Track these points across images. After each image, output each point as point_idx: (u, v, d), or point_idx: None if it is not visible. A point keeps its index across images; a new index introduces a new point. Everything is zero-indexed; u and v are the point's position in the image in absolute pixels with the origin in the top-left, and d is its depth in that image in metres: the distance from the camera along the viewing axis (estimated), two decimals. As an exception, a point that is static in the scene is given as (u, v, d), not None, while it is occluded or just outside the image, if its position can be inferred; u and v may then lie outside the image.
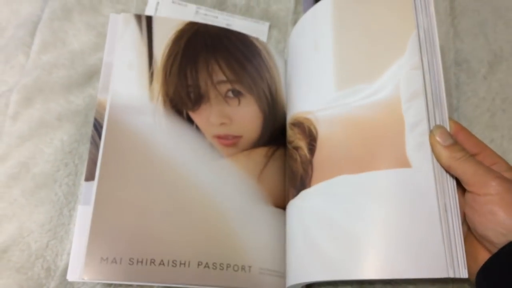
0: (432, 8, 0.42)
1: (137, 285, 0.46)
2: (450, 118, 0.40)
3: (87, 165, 0.46)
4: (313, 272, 0.40)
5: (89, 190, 0.44)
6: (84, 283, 0.47)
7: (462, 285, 0.47)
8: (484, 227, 0.35)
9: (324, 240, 0.40)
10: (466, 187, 0.37)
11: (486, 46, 0.59)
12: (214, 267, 0.43)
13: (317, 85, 0.46)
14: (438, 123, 0.39)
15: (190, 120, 0.48)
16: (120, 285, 0.47)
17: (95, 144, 0.47)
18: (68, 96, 0.54)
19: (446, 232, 0.36)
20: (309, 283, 0.44)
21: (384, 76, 0.42)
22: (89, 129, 0.52)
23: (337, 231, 0.40)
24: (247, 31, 0.53)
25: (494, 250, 0.35)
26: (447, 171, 0.38)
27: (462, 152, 0.37)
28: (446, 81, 0.57)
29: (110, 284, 0.47)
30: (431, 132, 0.39)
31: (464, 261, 0.36)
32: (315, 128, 0.45)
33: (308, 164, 0.44)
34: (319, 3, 0.48)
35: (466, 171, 0.37)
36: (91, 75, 0.56)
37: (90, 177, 0.45)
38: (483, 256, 0.37)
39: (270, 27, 0.61)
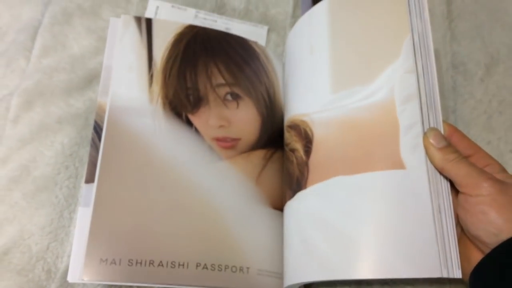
0: (426, 13, 0.43)
1: (137, 286, 0.47)
2: (444, 121, 0.41)
3: (87, 167, 0.46)
4: (309, 272, 0.41)
5: (89, 192, 0.45)
6: (84, 284, 0.47)
7: (458, 286, 0.48)
8: (476, 227, 0.36)
9: (320, 240, 0.41)
10: (458, 188, 0.38)
11: (483, 48, 0.59)
12: (213, 268, 0.44)
13: (313, 88, 0.46)
14: (432, 125, 0.40)
15: (189, 123, 0.49)
16: (120, 286, 0.47)
17: (95, 147, 0.47)
18: (69, 100, 0.54)
19: (440, 232, 0.37)
20: (307, 283, 0.45)
21: (379, 78, 0.42)
22: (89, 132, 0.53)
23: (333, 232, 0.40)
24: (246, 35, 0.54)
25: (487, 251, 0.35)
26: (441, 173, 0.38)
27: (455, 154, 0.38)
28: (443, 84, 0.57)
29: (110, 285, 0.47)
30: (425, 134, 0.39)
31: (458, 261, 0.36)
32: (311, 130, 0.45)
33: (304, 166, 0.45)
34: (315, 6, 0.48)
35: (459, 172, 0.37)
36: (91, 78, 0.56)
37: (90, 179, 0.46)
38: (476, 257, 0.37)
39: (268, 31, 0.61)
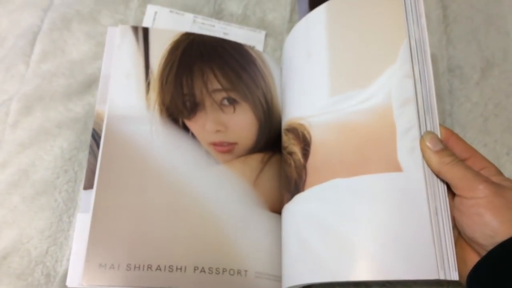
0: (423, 19, 0.43)
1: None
2: (441, 125, 0.41)
3: (85, 174, 0.47)
4: (307, 274, 0.41)
5: (88, 199, 0.45)
6: (83, 289, 0.47)
7: (456, 288, 0.48)
8: (472, 229, 0.36)
9: (318, 242, 0.41)
10: (455, 190, 0.38)
11: (478, 52, 0.60)
12: (210, 272, 0.44)
13: (310, 91, 0.47)
14: (429, 129, 0.40)
15: (186, 128, 0.49)
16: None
17: (93, 154, 0.48)
18: (68, 104, 0.55)
19: (437, 234, 0.37)
20: (305, 286, 0.45)
21: (376, 83, 0.42)
22: (88, 136, 0.53)
23: (331, 234, 0.40)
24: (244, 40, 0.54)
25: (483, 253, 0.36)
26: (437, 176, 0.39)
27: (452, 157, 0.38)
28: (440, 87, 0.58)
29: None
30: (421, 137, 0.40)
31: (454, 263, 0.37)
32: (308, 133, 0.46)
33: (302, 169, 0.45)
34: (312, 12, 0.49)
35: (455, 175, 0.37)
36: (90, 83, 0.56)
37: (88, 185, 0.46)
38: (473, 259, 0.37)
39: (266, 36, 0.61)
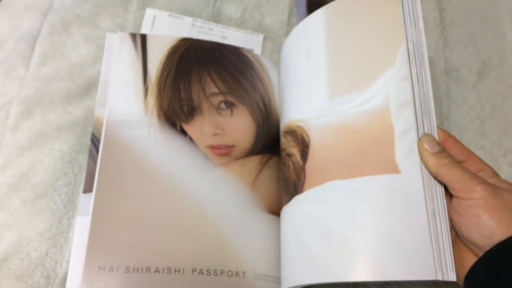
0: (421, 23, 0.43)
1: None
2: (439, 127, 0.42)
3: (85, 178, 0.48)
4: (306, 275, 0.41)
5: (87, 202, 0.45)
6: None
7: (453, 289, 0.48)
8: (469, 230, 0.36)
9: (317, 243, 0.41)
10: (452, 192, 0.38)
11: (475, 55, 0.60)
12: (208, 273, 0.44)
13: (309, 94, 0.47)
14: (426, 131, 0.41)
15: (183, 132, 0.49)
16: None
17: (92, 158, 0.48)
18: (67, 107, 0.55)
19: (435, 235, 0.37)
20: (304, 286, 0.45)
21: (375, 85, 0.43)
22: (88, 139, 0.53)
23: (329, 235, 0.41)
24: (242, 43, 0.54)
25: (480, 254, 0.36)
26: (435, 177, 0.39)
27: (449, 159, 0.38)
28: (437, 90, 0.58)
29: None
30: (419, 140, 0.40)
31: (452, 264, 0.37)
32: (307, 135, 0.46)
33: (300, 171, 0.45)
34: (311, 15, 0.49)
35: (452, 177, 0.38)
36: (90, 86, 0.57)
37: (88, 189, 0.47)
38: (470, 260, 0.37)
39: (264, 39, 0.62)
